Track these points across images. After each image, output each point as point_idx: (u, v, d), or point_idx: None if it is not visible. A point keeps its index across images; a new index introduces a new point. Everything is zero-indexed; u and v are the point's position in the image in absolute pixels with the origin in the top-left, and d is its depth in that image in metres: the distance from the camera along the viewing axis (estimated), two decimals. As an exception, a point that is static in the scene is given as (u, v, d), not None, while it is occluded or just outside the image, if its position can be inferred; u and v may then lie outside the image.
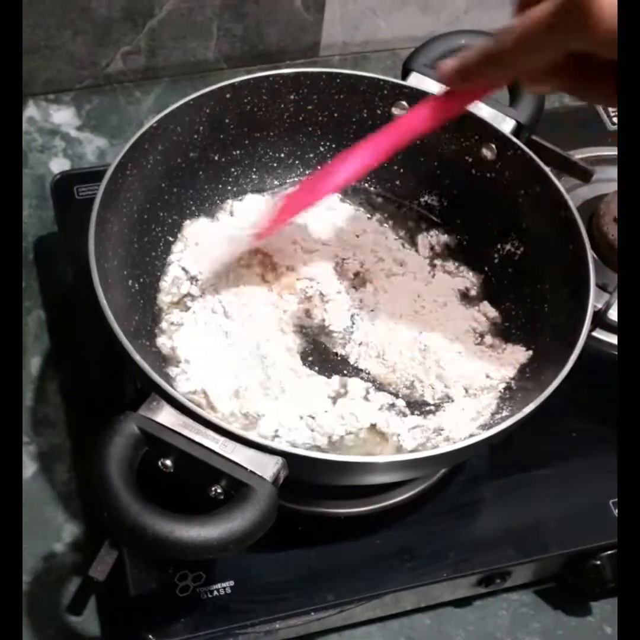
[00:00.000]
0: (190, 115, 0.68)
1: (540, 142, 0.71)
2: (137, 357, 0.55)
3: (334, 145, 0.74)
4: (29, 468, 0.68)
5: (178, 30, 0.86)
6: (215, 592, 0.60)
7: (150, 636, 0.57)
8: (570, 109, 0.91)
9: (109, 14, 0.82)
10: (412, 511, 0.64)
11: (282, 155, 0.74)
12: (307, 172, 0.75)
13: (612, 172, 0.77)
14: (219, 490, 0.52)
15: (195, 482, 0.53)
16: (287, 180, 0.75)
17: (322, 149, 0.74)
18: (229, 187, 0.73)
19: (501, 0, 0.93)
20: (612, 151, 0.80)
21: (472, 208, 0.73)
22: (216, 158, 0.71)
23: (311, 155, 0.75)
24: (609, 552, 0.64)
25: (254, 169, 0.74)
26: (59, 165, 0.83)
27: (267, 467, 0.52)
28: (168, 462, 0.53)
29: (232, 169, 0.72)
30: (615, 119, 0.85)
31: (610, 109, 0.86)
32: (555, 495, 0.66)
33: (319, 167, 0.67)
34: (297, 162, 0.75)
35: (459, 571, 0.62)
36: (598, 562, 0.64)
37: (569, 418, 0.69)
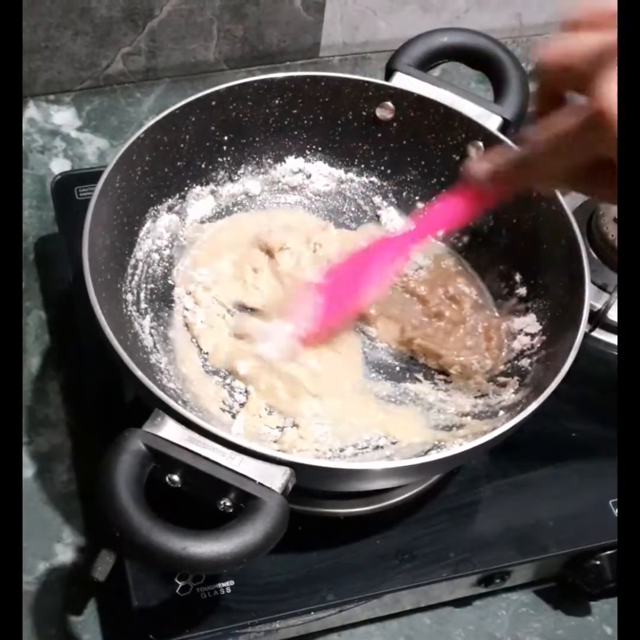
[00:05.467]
0: (177, 125, 0.67)
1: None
2: (139, 373, 0.54)
3: (319, 148, 0.74)
4: (29, 468, 0.68)
5: (178, 31, 0.86)
6: (215, 592, 0.59)
7: (150, 636, 0.57)
8: (570, 109, 0.91)
9: (109, 15, 0.82)
10: (412, 511, 0.64)
11: (270, 160, 0.74)
12: (293, 176, 0.74)
13: (612, 172, 0.77)
14: (228, 504, 0.52)
15: (204, 496, 0.52)
16: (274, 186, 0.75)
17: (307, 152, 0.74)
18: (218, 193, 0.73)
19: (501, 0, 0.94)
20: (612, 151, 0.80)
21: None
22: (203, 166, 0.71)
23: (298, 158, 0.74)
24: (609, 552, 0.64)
25: (242, 175, 0.73)
26: (59, 165, 0.83)
27: (275, 478, 0.52)
28: (175, 478, 0.53)
29: (220, 176, 0.72)
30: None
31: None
32: (555, 495, 0.66)
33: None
34: (283, 165, 0.74)
35: (458, 571, 0.62)
36: (598, 562, 0.64)
37: (569, 418, 0.69)
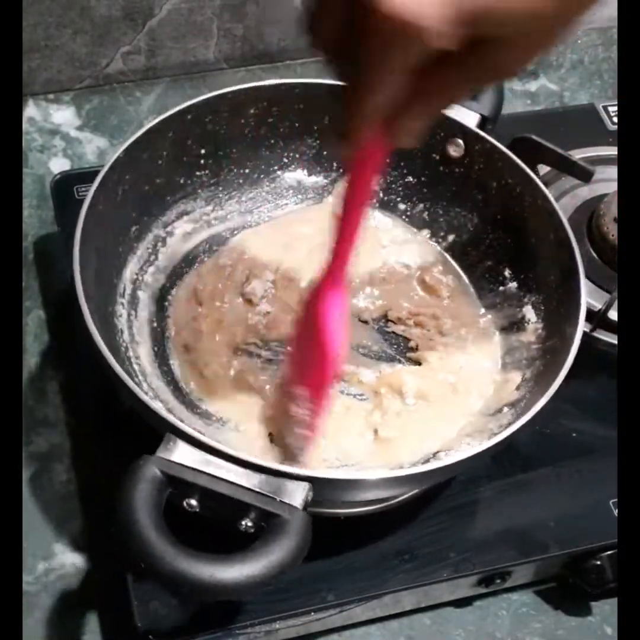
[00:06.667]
0: (155, 142, 0.67)
1: (539, 142, 0.71)
2: (145, 398, 0.53)
3: (297, 156, 0.74)
4: (28, 468, 0.68)
5: (178, 30, 0.86)
6: (215, 592, 0.59)
7: (150, 636, 0.57)
8: (570, 109, 0.91)
9: (108, 14, 0.82)
10: (412, 511, 0.64)
11: (247, 170, 0.73)
12: (272, 185, 0.74)
13: (612, 172, 0.77)
14: (249, 524, 0.50)
15: (224, 518, 0.51)
16: (253, 196, 0.74)
17: (285, 160, 0.74)
18: (199, 209, 0.72)
19: None
20: (612, 151, 0.80)
21: (443, 205, 0.73)
22: (182, 181, 0.71)
23: (275, 167, 0.74)
24: (609, 552, 0.64)
25: (221, 188, 0.73)
26: (58, 165, 0.83)
27: (295, 494, 0.50)
28: (193, 502, 0.51)
29: (199, 190, 0.72)
30: (615, 119, 0.85)
31: (610, 109, 0.86)
32: (555, 495, 0.66)
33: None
34: (262, 176, 0.74)
35: (459, 571, 0.62)
36: (598, 562, 0.64)
37: (569, 418, 0.69)
